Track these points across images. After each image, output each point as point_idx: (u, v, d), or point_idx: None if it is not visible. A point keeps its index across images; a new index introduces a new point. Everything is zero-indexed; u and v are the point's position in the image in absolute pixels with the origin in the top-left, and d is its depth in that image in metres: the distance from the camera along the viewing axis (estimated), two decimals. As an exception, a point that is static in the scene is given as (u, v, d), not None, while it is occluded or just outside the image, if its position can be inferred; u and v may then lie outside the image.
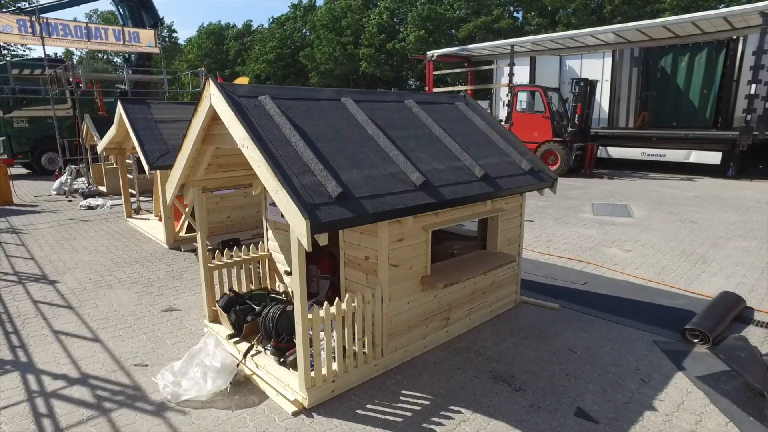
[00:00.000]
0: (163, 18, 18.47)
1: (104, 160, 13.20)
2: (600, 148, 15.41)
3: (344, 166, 3.30)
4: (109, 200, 11.50)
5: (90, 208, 10.92)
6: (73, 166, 12.95)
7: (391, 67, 43.15)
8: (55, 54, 20.60)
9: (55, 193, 13.14)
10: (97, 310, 5.19)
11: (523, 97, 15.57)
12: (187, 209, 7.61)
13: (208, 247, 7.08)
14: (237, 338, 4.11)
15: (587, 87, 14.07)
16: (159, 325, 4.79)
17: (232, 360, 3.69)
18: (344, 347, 3.50)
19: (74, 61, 12.50)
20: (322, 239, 2.84)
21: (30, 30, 13.88)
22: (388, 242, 3.57)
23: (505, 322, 4.83)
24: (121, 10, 18.03)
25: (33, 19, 14.15)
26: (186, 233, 7.72)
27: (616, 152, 15.38)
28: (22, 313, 5.11)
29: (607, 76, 18.21)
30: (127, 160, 10.35)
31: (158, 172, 7.18)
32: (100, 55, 53.23)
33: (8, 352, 4.27)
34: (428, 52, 19.76)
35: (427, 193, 3.53)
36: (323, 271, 4.83)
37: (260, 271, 4.89)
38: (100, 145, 9.03)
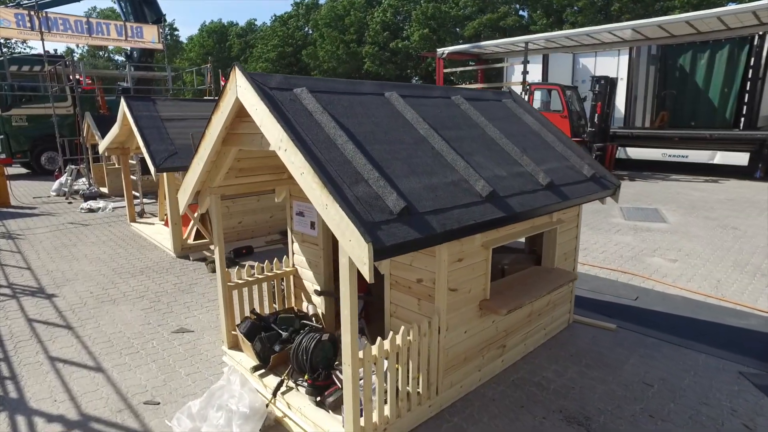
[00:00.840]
0: (165, 15, 17.84)
1: (105, 160, 12.60)
2: (618, 148, 14.83)
3: (400, 173, 2.71)
4: (110, 202, 10.89)
5: (91, 210, 10.32)
6: (73, 167, 12.35)
7: (394, 66, 42.53)
8: (55, 50, 19.92)
9: (54, 194, 12.54)
10: (100, 331, 4.60)
11: (538, 95, 14.97)
12: (196, 214, 7.01)
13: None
14: (263, 370, 3.52)
15: (608, 85, 13.48)
16: (170, 350, 4.21)
17: (261, 402, 3.10)
18: (398, 388, 2.92)
19: (75, 58, 11.90)
20: (383, 267, 2.26)
21: (29, 25, 13.27)
22: (447, 263, 2.99)
23: (560, 346, 4.25)
24: (122, 5, 17.41)
25: (32, 13, 13.55)
26: (194, 240, 7.13)
27: (636, 153, 14.79)
28: (15, 335, 4.51)
29: (623, 74, 17.62)
30: (130, 161, 9.75)
31: (165, 174, 6.57)
32: (101, 53, 52.59)
33: (-3, 385, 3.69)
34: (438, 50, 19.14)
35: (494, 205, 2.94)
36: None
37: (284, 288, 4.30)
38: (102, 145, 8.44)
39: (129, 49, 18.94)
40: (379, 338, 2.74)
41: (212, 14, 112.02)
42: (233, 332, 3.88)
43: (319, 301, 4.04)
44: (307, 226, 3.99)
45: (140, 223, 8.80)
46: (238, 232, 7.38)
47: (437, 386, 3.17)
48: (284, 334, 3.69)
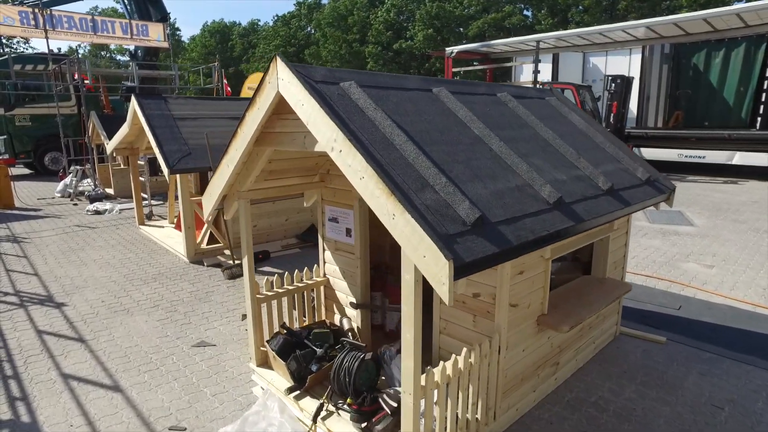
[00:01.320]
0: (170, 14, 17.51)
1: (111, 160, 12.30)
2: (633, 149, 14.52)
3: (464, 177, 2.41)
4: (117, 204, 10.58)
5: (97, 213, 10.01)
6: (78, 167, 12.04)
7: (398, 66, 42.23)
8: (59, 49, 19.58)
9: (59, 195, 12.23)
10: (114, 344, 4.29)
11: (552, 94, 14.65)
12: (209, 218, 6.70)
13: (235, 263, 6.20)
14: (298, 392, 3.21)
15: (624, 84, 13.17)
16: (192, 366, 3.90)
17: (303, 431, 2.79)
18: (457, 415, 2.62)
19: (78, 56, 11.62)
20: (460, 286, 1.95)
21: (33, 22, 12.96)
22: (510, 276, 2.68)
23: (611, 361, 3.95)
24: (126, 3, 17.08)
25: (36, 10, 13.23)
26: (208, 245, 6.82)
27: (650, 153, 14.48)
28: (24, 349, 4.21)
29: (635, 73, 17.35)
30: (138, 161, 9.45)
31: (178, 176, 6.26)
32: (102, 52, 52.27)
33: (6, 406, 3.38)
34: (447, 49, 18.83)
35: (562, 212, 2.64)
36: (393, 300, 3.94)
37: (314, 300, 3.99)
38: (110, 145, 8.13)
39: (133, 48, 18.64)
40: (441, 362, 2.44)
41: (214, 14, 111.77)
42: (262, 348, 3.58)
43: (354, 314, 3.73)
44: (342, 233, 3.68)
45: (149, 225, 8.49)
46: (252, 236, 7.06)
47: (495, 411, 2.87)
48: (319, 351, 3.39)
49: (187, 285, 5.73)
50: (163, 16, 17.40)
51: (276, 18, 54.12)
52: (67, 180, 12.42)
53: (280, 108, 2.68)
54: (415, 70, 43.87)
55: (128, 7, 17.09)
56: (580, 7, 33.61)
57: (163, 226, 8.35)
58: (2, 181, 10.74)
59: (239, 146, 3.02)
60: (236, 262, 6.40)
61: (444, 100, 3.09)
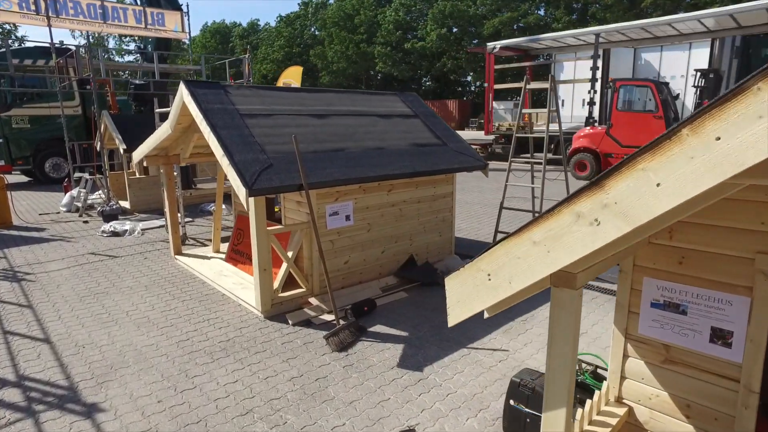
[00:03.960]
0: (182, 4, 15.43)
1: (126, 167, 10.25)
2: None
3: None
4: (139, 222, 8.55)
5: (115, 234, 7.98)
6: (87, 176, 9.98)
7: (408, 66, 40.37)
8: (61, 42, 17.44)
9: (64, 209, 10.16)
10: None
11: (622, 93, 12.80)
12: (290, 252, 4.72)
13: (340, 321, 4.23)
14: None
15: (716, 79, 11.35)
16: None
17: None
18: None
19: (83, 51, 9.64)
20: None
21: (33, 8, 10.91)
22: None
23: None
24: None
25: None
26: (285, 291, 4.82)
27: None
28: None
29: (692, 70, 15.64)
30: (151, 165, 7.45)
31: (252, 199, 4.25)
32: (106, 44, 49.70)
33: None
34: (488, 44, 16.95)
35: None
36: None
37: None
38: (139, 152, 6.11)
39: (141, 43, 16.58)
40: None
41: (214, 15, 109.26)
42: None
43: None
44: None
45: (187, 254, 6.48)
46: (344, 275, 5.10)
47: None
48: None
49: (279, 364, 3.75)
50: (175, 8, 15.34)
51: (279, 18, 52.00)
52: (74, 191, 10.36)
53: None
54: (425, 71, 42.02)
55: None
56: (598, 5, 31.90)
57: (207, 257, 6.35)
58: (-3, 194, 8.68)
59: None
60: (330, 319, 4.44)
61: None
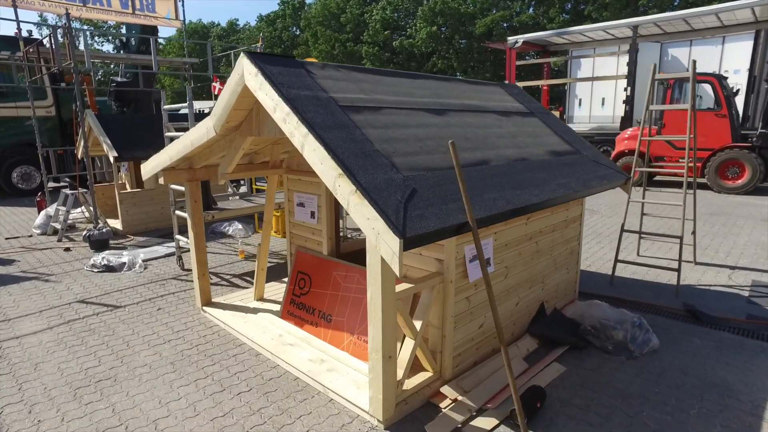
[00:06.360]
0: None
1: (117, 178, 8.22)
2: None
3: None
4: (138, 251, 6.61)
5: (110, 269, 6.03)
6: (68, 191, 7.93)
7: (396, 66, 38.71)
8: (29, 32, 15.10)
9: (38, 232, 8.09)
10: None
11: (677, 90, 11.39)
12: (418, 322, 2.95)
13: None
14: None
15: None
16: None
17: None
18: None
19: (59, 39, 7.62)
20: None
21: (-7, -16, 8.79)
22: None
23: None
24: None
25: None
26: (410, 375, 3.06)
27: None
28: None
29: (730, 65, 14.44)
30: (173, 186, 5.62)
31: (401, 240, 2.46)
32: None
33: None
34: (509, 39, 15.40)
35: None
36: None
37: None
38: (153, 165, 4.22)
39: (124, 36, 14.40)
40: None
41: (190, 14, 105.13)
42: None
43: None
44: None
45: (219, 305, 4.62)
46: (477, 345, 3.37)
47: None
48: None
49: None
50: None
51: (259, 18, 49.64)
52: (51, 209, 8.29)
53: None
54: (414, 70, 40.46)
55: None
56: (594, 4, 30.89)
57: (248, 308, 4.50)
58: (-51, 217, 6.61)
59: None
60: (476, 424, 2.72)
61: None
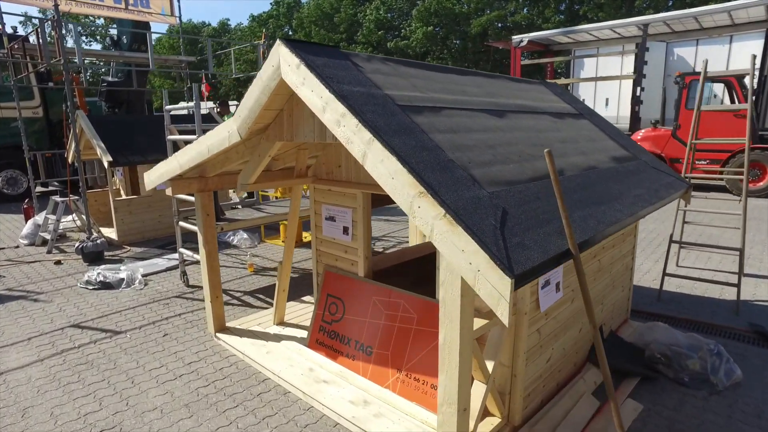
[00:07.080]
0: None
1: (111, 183, 7.61)
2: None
3: None
4: (137, 265, 6.03)
5: (106, 286, 5.45)
6: (58, 199, 7.32)
7: (390, 67, 38.21)
8: (14, 28, 14.34)
9: (26, 243, 7.47)
10: None
11: (694, 90, 11.03)
12: (490, 363, 2.46)
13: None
14: None
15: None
16: None
17: None
18: None
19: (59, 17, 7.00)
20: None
21: (-27, -24, 8.13)
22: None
23: None
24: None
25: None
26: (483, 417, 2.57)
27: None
28: None
29: (738, 64, 14.15)
30: (177, 195, 5.05)
31: (512, 281, 1.98)
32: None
33: None
34: (514, 38, 14.97)
35: None
36: None
37: None
38: (160, 173, 3.68)
39: (116, 34, 13.74)
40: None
41: (183, 14, 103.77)
42: None
43: None
44: None
45: (234, 331, 4.09)
46: (544, 381, 2.90)
47: None
48: None
49: None
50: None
51: (251, 18, 48.88)
52: (39, 217, 7.68)
53: None
54: (408, 72, 39.99)
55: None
56: (590, 4, 30.70)
57: (269, 334, 3.97)
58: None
59: None
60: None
61: None
